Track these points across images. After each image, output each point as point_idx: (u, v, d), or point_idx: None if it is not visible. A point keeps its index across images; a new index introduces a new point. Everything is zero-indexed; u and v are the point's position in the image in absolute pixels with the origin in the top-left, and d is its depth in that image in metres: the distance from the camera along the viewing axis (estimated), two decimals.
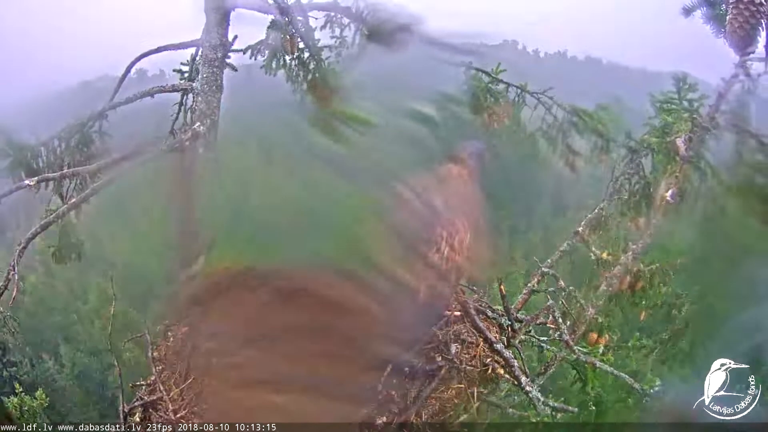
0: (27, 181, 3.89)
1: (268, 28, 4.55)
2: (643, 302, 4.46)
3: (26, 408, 3.87)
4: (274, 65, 4.59)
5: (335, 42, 4.66)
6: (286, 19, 4.45)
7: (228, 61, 4.35)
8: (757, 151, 4.00)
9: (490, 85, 4.78)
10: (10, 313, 3.96)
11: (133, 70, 4.72)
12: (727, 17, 4.01)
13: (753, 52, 4.06)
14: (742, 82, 4.11)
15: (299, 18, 4.52)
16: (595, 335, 4.25)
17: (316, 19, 4.65)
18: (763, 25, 3.98)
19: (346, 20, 4.56)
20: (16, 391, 4.00)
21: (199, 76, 4.24)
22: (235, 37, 4.36)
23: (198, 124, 4.07)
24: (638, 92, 5.05)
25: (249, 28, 4.57)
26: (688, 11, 4.37)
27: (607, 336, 4.26)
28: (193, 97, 4.28)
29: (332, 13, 4.58)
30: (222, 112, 4.27)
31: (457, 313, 2.82)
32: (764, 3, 3.92)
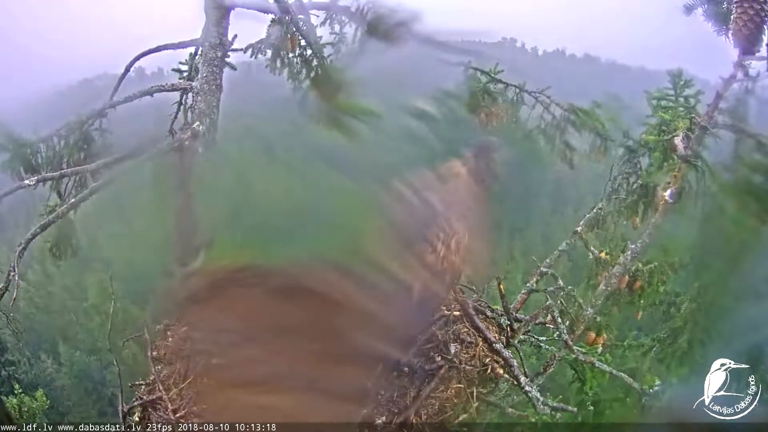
0: (27, 181, 3.88)
1: (269, 26, 4.55)
2: (641, 301, 4.48)
3: (26, 409, 3.87)
4: (278, 64, 4.58)
5: (335, 39, 4.66)
6: (287, 17, 4.45)
7: (227, 60, 4.35)
8: (755, 151, 4.00)
9: (488, 84, 4.79)
10: (13, 314, 3.95)
11: (131, 69, 4.72)
12: (732, 16, 3.99)
13: (758, 51, 4.03)
14: (740, 81, 4.10)
15: (300, 16, 4.52)
16: (593, 334, 4.26)
17: (317, 16, 4.66)
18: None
19: (345, 17, 4.56)
20: (15, 391, 3.99)
21: (199, 76, 4.23)
22: (235, 36, 4.36)
23: (197, 123, 4.07)
24: (637, 90, 5.05)
25: (249, 24, 4.57)
26: (689, 9, 4.36)
27: (605, 335, 4.28)
28: (193, 96, 4.27)
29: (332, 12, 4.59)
30: (221, 109, 4.26)
31: (457, 313, 2.81)
32: None
